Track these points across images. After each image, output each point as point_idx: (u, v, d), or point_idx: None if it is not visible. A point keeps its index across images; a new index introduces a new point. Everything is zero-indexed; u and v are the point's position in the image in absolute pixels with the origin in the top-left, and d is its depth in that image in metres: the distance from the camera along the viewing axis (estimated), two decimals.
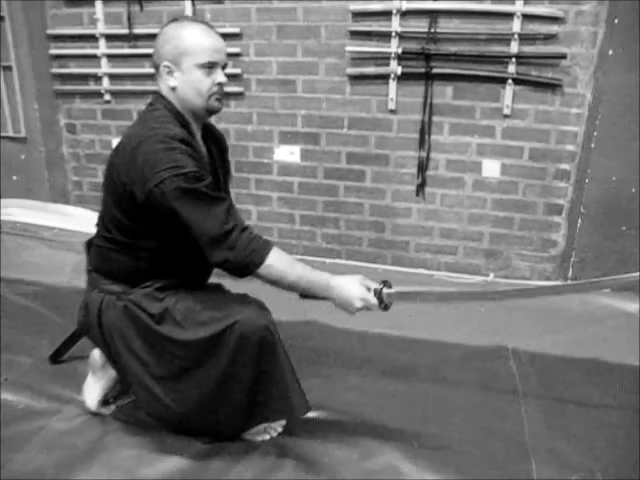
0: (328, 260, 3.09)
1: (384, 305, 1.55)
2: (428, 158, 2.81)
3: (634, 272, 1.47)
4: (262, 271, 1.44)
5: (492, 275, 2.88)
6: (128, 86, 3.09)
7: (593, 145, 2.54)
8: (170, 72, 1.53)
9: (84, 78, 3.17)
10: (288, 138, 2.99)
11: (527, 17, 2.53)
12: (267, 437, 1.68)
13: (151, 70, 3.11)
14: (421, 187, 2.87)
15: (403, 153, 2.85)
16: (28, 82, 3.07)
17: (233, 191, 3.03)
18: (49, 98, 3.21)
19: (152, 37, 2.97)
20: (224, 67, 1.56)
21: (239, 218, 1.47)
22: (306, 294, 1.55)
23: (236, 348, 1.44)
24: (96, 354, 1.80)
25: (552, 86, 2.59)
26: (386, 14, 2.65)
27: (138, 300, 1.55)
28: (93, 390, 1.81)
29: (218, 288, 1.78)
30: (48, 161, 3.29)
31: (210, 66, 1.50)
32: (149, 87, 3.06)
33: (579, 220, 2.65)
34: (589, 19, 2.48)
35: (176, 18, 1.62)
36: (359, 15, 2.70)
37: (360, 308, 1.51)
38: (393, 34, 2.65)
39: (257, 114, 2.99)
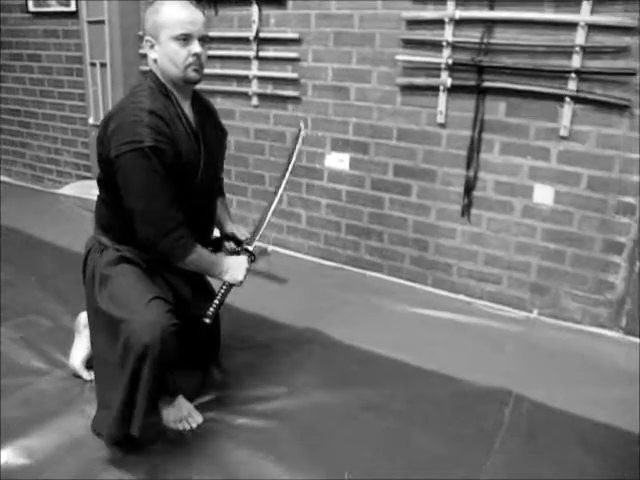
0: (369, 273, 3.09)
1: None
2: (476, 178, 2.70)
3: None
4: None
5: (536, 312, 2.67)
6: (201, 85, 3.34)
7: None
8: (152, 45, 1.67)
9: None
10: (339, 145, 3.06)
11: (593, 27, 2.33)
12: (187, 427, 1.82)
13: (222, 70, 3.37)
14: (467, 208, 2.75)
15: (450, 170, 2.76)
16: (118, 77, 3.50)
17: (285, 193, 3.21)
18: None
19: (224, 40, 3.25)
20: (203, 39, 1.67)
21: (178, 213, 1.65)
22: None
23: (124, 343, 1.57)
24: (81, 316, 2.08)
25: (619, 107, 2.35)
26: (440, 23, 2.59)
27: (103, 258, 1.74)
28: (77, 351, 2.09)
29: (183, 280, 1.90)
30: None
31: (184, 38, 1.62)
32: (218, 87, 3.32)
33: (637, 263, 2.36)
34: None
35: None
36: (413, 23, 2.69)
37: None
38: (444, 44, 2.59)
39: (312, 119, 3.10)
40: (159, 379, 1.62)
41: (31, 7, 4.11)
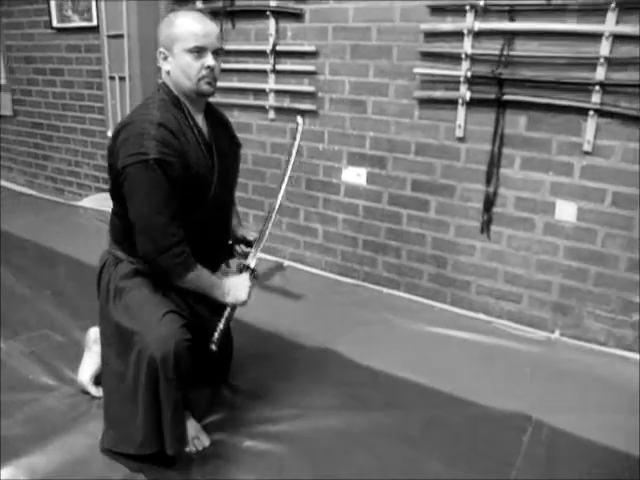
0: (386, 290, 3.03)
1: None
2: (496, 193, 2.63)
3: None
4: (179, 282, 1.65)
5: (558, 332, 2.58)
6: (218, 98, 3.36)
7: None
8: (165, 57, 1.66)
9: None
10: (356, 159, 3.02)
11: (618, 38, 2.25)
12: (193, 449, 1.77)
13: (239, 84, 3.35)
14: (487, 225, 2.68)
15: (470, 185, 2.70)
16: (137, 91, 3.52)
17: (302, 208, 3.18)
18: None
19: (241, 53, 3.24)
20: (216, 52, 1.66)
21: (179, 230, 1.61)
22: None
23: (136, 355, 1.56)
24: (91, 331, 2.07)
25: None
26: (458, 35, 2.55)
27: (118, 271, 1.73)
28: (86, 366, 2.07)
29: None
30: None
31: (198, 50, 1.61)
32: (235, 100, 3.31)
33: None
34: None
35: (175, 9, 1.73)
36: (431, 35, 2.64)
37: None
38: (463, 56, 2.54)
39: (328, 133, 3.07)
40: (182, 392, 1.61)
41: (55, 23, 4.19)
